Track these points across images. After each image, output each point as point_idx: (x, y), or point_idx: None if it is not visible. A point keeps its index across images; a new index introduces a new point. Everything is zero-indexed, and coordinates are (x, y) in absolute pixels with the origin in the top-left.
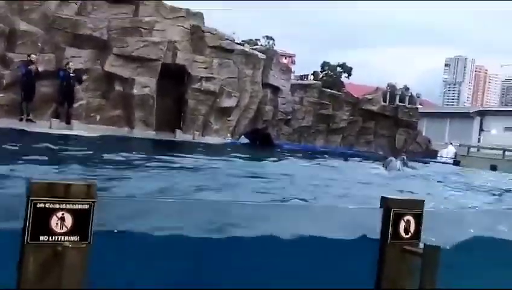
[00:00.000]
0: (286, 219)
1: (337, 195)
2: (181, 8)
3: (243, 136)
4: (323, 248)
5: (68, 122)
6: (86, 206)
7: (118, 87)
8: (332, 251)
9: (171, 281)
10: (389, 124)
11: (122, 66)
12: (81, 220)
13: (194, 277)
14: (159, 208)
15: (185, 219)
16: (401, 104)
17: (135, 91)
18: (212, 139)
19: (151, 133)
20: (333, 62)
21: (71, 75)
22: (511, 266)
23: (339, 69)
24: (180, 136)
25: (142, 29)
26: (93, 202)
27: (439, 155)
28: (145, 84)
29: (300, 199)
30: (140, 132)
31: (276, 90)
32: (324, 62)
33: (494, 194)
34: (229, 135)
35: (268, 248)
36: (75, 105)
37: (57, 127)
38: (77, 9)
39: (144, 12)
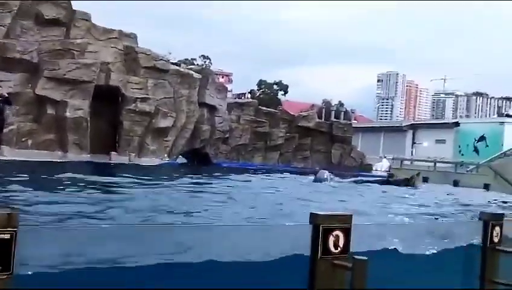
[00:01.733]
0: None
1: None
2: (114, 29)
3: (180, 156)
4: (256, 267)
5: None
6: (7, 236)
7: (50, 111)
8: (267, 268)
9: None
10: (324, 140)
11: (54, 88)
12: (2, 251)
13: None
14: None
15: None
16: (335, 120)
17: (68, 114)
18: (149, 161)
19: (85, 157)
20: (270, 80)
21: None
22: (432, 273)
23: (275, 87)
24: (115, 158)
25: (74, 51)
26: (15, 231)
27: (373, 169)
28: (78, 107)
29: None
30: (75, 155)
31: (213, 109)
32: (261, 80)
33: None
34: (166, 155)
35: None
36: (5, 130)
37: None
38: (5, 33)
39: (76, 34)
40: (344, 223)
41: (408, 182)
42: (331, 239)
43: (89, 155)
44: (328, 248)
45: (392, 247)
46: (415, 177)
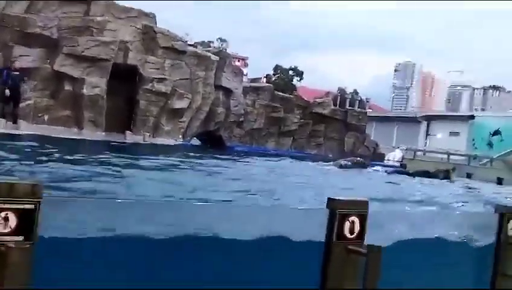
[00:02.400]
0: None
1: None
2: (133, 8)
3: (194, 137)
4: (281, 247)
5: (15, 122)
6: (31, 206)
7: (68, 87)
8: (285, 251)
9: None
10: (338, 128)
11: (72, 65)
12: (26, 220)
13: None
14: (116, 208)
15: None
16: (350, 108)
17: (85, 91)
18: (163, 141)
19: (100, 134)
20: (285, 65)
21: (15, 74)
22: (451, 265)
23: (291, 72)
24: (130, 137)
25: (94, 29)
26: (38, 201)
27: (386, 159)
28: (95, 85)
29: None
30: (90, 132)
31: (228, 92)
32: (277, 65)
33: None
34: (180, 136)
35: (229, 248)
36: (22, 105)
37: (3, 127)
38: (26, 7)
39: (95, 12)
40: (361, 209)
41: (447, 175)
42: (347, 224)
43: (103, 133)
44: (343, 233)
45: (406, 237)
46: (450, 171)
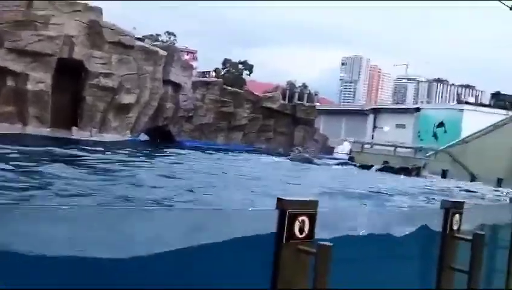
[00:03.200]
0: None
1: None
2: (78, 2)
3: (142, 133)
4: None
5: None
6: None
7: (10, 83)
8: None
9: None
10: (287, 122)
11: (15, 60)
12: None
13: None
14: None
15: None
16: (299, 102)
17: (29, 87)
18: (110, 137)
19: (45, 130)
20: (235, 59)
21: None
22: (401, 258)
23: (240, 66)
24: (76, 133)
25: (37, 23)
26: None
27: (335, 151)
28: (39, 80)
29: None
30: (34, 128)
31: (177, 87)
32: (226, 59)
33: None
34: (128, 132)
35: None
36: None
37: None
38: None
39: (39, 6)
40: (310, 208)
41: (418, 171)
42: (297, 224)
43: (48, 129)
44: (294, 233)
45: (353, 232)
46: (421, 168)
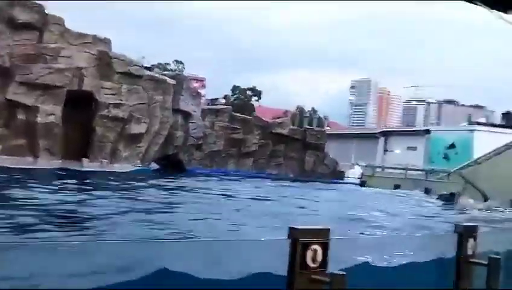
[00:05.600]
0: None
1: None
2: (87, 34)
3: (153, 162)
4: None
5: None
6: None
7: (21, 116)
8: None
9: None
10: (298, 147)
11: (26, 93)
12: None
13: None
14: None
15: None
16: (309, 127)
17: (39, 119)
18: (121, 167)
19: (56, 163)
20: (243, 85)
21: None
22: (407, 285)
23: (249, 92)
24: (87, 164)
25: (47, 56)
26: None
27: (346, 176)
28: (50, 112)
29: None
30: (45, 161)
31: (187, 115)
32: (234, 86)
33: None
34: (138, 161)
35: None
36: None
37: None
38: None
39: (49, 39)
40: (322, 237)
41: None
42: (309, 253)
43: (60, 161)
44: (306, 262)
45: (365, 260)
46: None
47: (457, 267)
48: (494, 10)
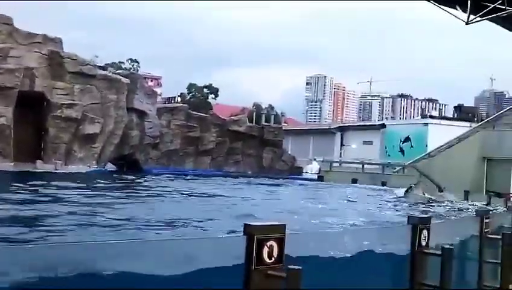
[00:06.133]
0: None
1: None
2: (37, 34)
3: (109, 163)
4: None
5: None
6: None
7: None
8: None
9: None
10: (255, 144)
11: None
12: None
13: None
14: None
15: None
16: (266, 124)
17: None
18: (76, 168)
19: (8, 165)
20: (199, 83)
21: None
22: (363, 276)
23: (205, 90)
24: (41, 166)
25: None
26: None
27: (304, 171)
28: (0, 114)
29: None
30: None
31: (142, 114)
32: (191, 84)
33: None
34: (94, 162)
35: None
36: None
37: None
38: None
39: None
40: (278, 233)
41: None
42: (265, 249)
43: (12, 163)
44: (263, 258)
45: (322, 253)
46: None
47: (412, 258)
48: (444, 6)
